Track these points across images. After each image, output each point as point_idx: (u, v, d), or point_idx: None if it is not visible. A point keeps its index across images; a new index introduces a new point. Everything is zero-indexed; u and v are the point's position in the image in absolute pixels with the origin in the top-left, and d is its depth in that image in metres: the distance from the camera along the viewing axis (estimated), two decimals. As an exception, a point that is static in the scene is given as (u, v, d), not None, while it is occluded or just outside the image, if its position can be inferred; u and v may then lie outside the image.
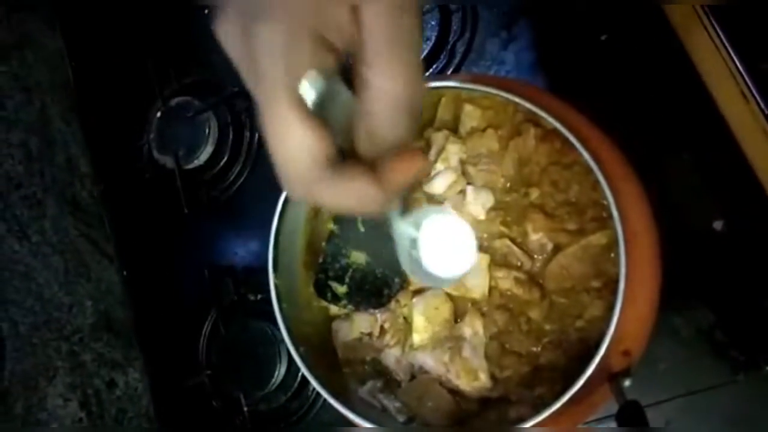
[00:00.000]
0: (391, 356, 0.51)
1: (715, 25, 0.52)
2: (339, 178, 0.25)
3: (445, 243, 0.32)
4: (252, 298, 0.71)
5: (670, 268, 0.46)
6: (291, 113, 0.24)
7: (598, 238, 0.44)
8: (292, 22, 0.23)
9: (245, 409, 0.65)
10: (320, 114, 0.25)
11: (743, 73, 0.51)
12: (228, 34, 0.25)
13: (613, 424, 0.41)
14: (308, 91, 0.25)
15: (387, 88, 0.24)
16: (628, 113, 0.56)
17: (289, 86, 0.24)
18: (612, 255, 0.44)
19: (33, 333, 0.67)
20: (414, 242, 0.32)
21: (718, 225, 0.55)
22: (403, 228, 0.32)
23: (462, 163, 0.50)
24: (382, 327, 0.52)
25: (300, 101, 0.24)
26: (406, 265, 0.33)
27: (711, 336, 0.54)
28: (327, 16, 0.24)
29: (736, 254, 0.54)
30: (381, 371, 0.52)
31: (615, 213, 0.38)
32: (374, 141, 0.26)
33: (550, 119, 0.40)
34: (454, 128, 0.51)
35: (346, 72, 0.26)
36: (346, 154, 0.27)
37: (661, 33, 0.55)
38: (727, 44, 0.52)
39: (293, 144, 0.24)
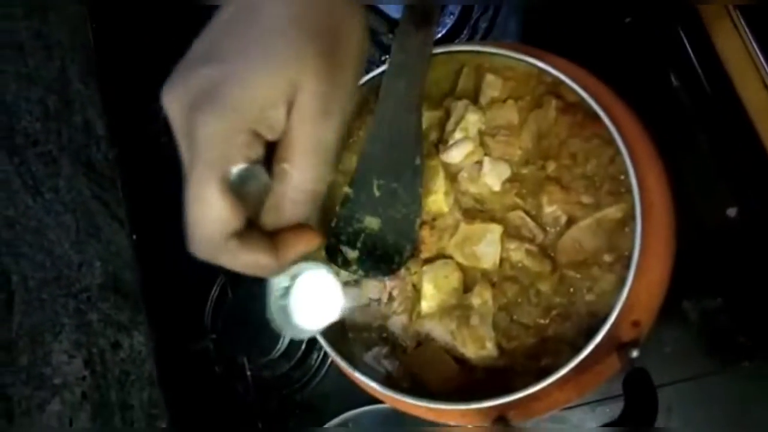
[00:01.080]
0: (398, 323, 0.51)
1: (740, 15, 0.52)
2: (240, 247, 0.30)
3: (314, 297, 0.35)
4: (261, 265, 0.71)
5: (681, 254, 0.46)
6: (215, 191, 0.28)
7: (613, 212, 0.44)
8: (235, 118, 0.27)
9: (248, 374, 0.65)
10: (238, 188, 0.30)
11: (765, 63, 0.51)
12: (173, 107, 0.28)
13: (619, 404, 0.41)
14: (233, 170, 0.29)
15: (299, 181, 0.29)
16: (648, 97, 0.56)
17: (220, 170, 0.28)
18: (626, 230, 0.44)
19: (42, 288, 0.68)
20: (286, 291, 0.35)
21: (731, 212, 0.55)
22: (278, 278, 0.35)
23: (480, 134, 0.50)
24: (390, 294, 0.52)
25: (226, 182, 0.28)
26: (273, 312, 0.36)
27: (718, 321, 0.54)
28: (266, 116, 0.28)
29: (748, 242, 0.54)
30: (387, 338, 0.52)
31: (634, 182, 0.38)
32: (279, 216, 0.31)
33: (576, 87, 0.40)
34: (474, 98, 0.51)
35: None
36: (251, 223, 0.31)
37: (685, 17, 0.55)
38: (750, 34, 0.52)
39: (210, 214, 0.28)
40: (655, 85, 0.57)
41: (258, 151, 0.29)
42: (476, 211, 0.49)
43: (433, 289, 0.50)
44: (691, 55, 0.56)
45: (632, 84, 0.56)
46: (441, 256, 0.51)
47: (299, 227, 0.32)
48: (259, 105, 0.27)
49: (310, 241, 0.32)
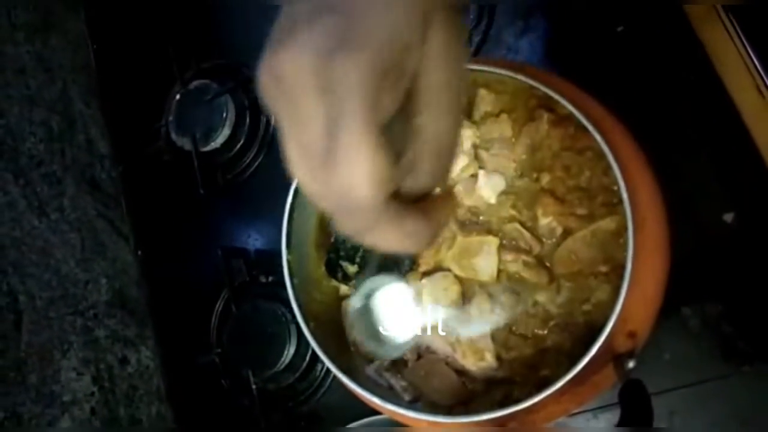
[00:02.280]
0: (399, 336, 0.52)
1: (732, 19, 0.52)
2: (401, 211, 0.26)
3: (396, 310, 0.33)
4: (263, 280, 0.72)
5: (679, 259, 0.46)
6: (375, 144, 0.24)
7: (607, 223, 0.44)
8: (380, 61, 0.24)
9: (254, 386, 0.66)
10: None
11: (759, 67, 0.52)
12: (292, 66, 0.24)
13: (616, 413, 0.41)
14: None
15: (436, 131, 0.26)
16: (642, 105, 0.56)
17: (376, 122, 0.24)
18: (621, 240, 0.45)
19: (49, 307, 0.69)
20: (362, 312, 0.33)
21: (728, 217, 0.55)
22: (352, 299, 0.33)
23: (475, 147, 0.51)
24: None
25: (382, 134, 0.24)
26: (358, 335, 0.34)
27: (718, 327, 0.54)
28: (406, 57, 0.24)
29: (745, 247, 0.54)
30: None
31: (625, 196, 0.39)
32: (422, 177, 0.27)
33: (565, 103, 0.40)
34: (467, 113, 0.52)
35: None
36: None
37: (678, 25, 0.55)
38: (743, 38, 0.52)
39: (370, 173, 0.24)
40: (648, 93, 0.57)
41: (401, 100, 0.25)
42: (473, 224, 0.50)
43: (433, 302, 0.50)
44: (684, 61, 0.56)
45: (626, 92, 0.57)
46: (439, 268, 0.51)
47: (441, 191, 0.28)
48: (403, 43, 0.24)
49: (452, 201, 0.29)
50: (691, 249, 0.53)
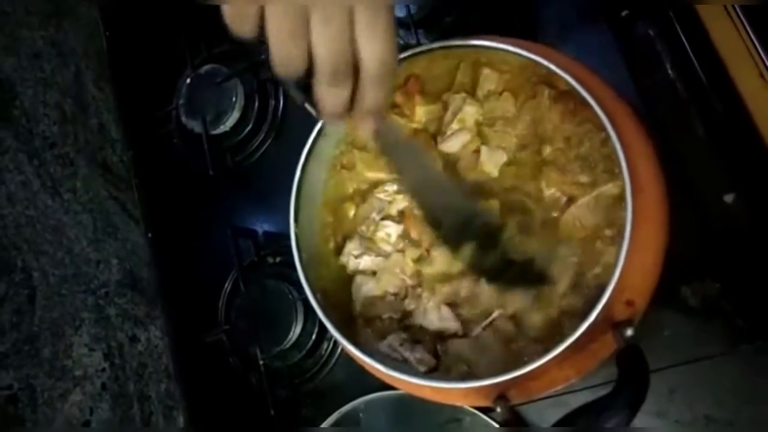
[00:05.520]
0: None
1: (736, 6, 0.53)
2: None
3: None
4: (271, 261, 0.73)
5: (679, 239, 0.47)
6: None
7: (609, 189, 0.45)
8: None
9: (261, 363, 0.67)
10: None
11: (761, 52, 0.53)
12: None
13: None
14: None
15: None
16: (646, 87, 0.57)
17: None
18: (623, 204, 0.45)
19: (62, 284, 0.70)
20: None
21: (729, 198, 0.56)
22: None
23: (478, 125, 0.52)
24: (407, 288, 0.54)
25: None
26: None
27: (717, 305, 0.54)
28: None
29: (745, 227, 0.55)
30: (410, 327, 0.53)
31: (624, 164, 0.40)
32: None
33: (565, 75, 0.41)
34: (472, 92, 0.53)
35: None
36: None
37: (681, 9, 0.56)
38: (745, 22, 0.53)
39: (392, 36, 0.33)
40: (652, 76, 0.58)
41: None
42: (475, 194, 0.51)
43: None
44: (687, 45, 0.57)
45: (629, 75, 0.58)
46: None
47: None
48: None
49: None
50: (691, 228, 0.54)
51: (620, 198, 0.44)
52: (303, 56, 0.32)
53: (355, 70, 0.33)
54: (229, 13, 0.32)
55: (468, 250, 0.48)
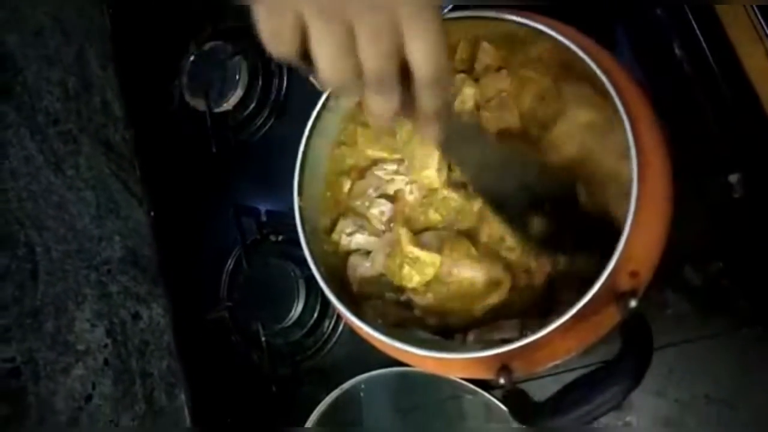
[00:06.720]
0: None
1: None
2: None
3: None
4: (274, 239, 0.73)
5: (684, 219, 0.47)
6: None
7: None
8: None
9: (263, 339, 0.67)
10: None
11: (768, 31, 0.53)
12: None
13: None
14: None
15: None
16: (652, 66, 0.57)
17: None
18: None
19: (65, 260, 0.70)
20: None
21: (733, 178, 0.56)
22: None
23: (477, 107, 0.52)
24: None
25: None
26: None
27: (720, 285, 0.55)
28: None
29: (750, 207, 0.55)
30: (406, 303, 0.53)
31: (630, 138, 0.40)
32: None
33: (573, 46, 0.41)
34: (470, 69, 0.53)
35: None
36: None
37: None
38: (755, 7, 0.53)
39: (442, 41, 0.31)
40: (659, 55, 0.58)
41: None
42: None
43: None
44: (694, 25, 0.57)
45: (636, 55, 0.58)
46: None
47: None
48: None
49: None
50: (695, 208, 0.54)
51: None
52: (354, 69, 0.31)
53: (406, 72, 0.32)
54: (266, 33, 0.31)
55: (537, 224, 0.47)
